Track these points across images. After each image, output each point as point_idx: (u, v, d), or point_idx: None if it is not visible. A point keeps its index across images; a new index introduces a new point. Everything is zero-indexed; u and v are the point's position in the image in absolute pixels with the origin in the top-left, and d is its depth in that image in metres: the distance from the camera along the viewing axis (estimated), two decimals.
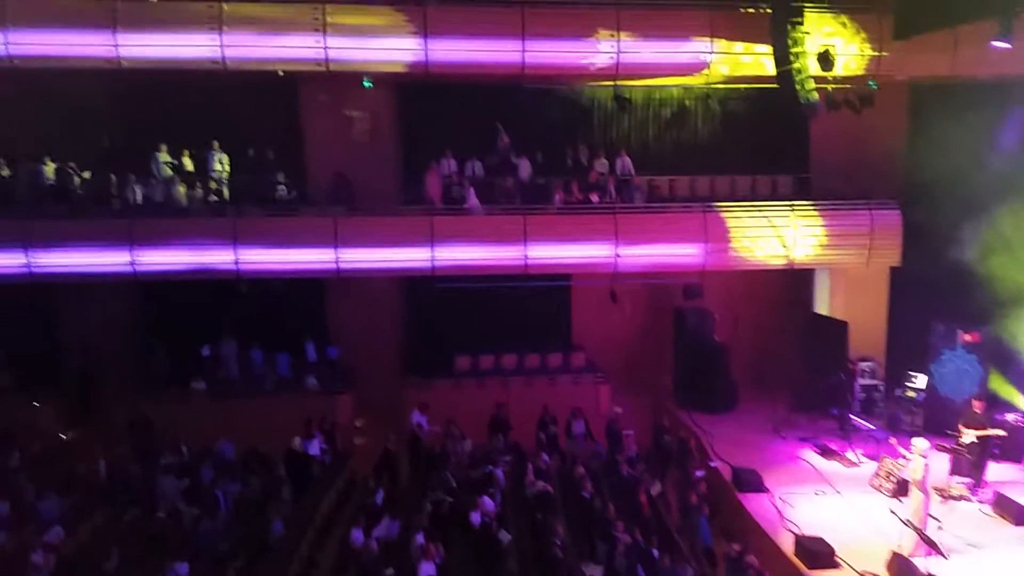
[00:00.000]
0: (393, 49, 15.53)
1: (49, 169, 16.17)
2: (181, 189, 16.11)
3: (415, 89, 17.26)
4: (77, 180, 15.98)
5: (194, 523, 11.83)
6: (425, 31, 15.51)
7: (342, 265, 16.03)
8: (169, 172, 16.31)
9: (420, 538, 10.92)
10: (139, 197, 15.98)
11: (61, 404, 16.31)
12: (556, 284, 17.47)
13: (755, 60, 15.91)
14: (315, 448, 14.06)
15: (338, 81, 16.53)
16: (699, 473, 13.26)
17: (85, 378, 16.78)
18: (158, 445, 14.06)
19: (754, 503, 12.61)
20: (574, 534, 11.88)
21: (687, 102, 18.36)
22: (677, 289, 17.51)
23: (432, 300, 17.17)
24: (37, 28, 14.99)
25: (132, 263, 15.63)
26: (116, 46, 15.05)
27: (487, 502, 11.99)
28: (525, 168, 17.01)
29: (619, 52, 15.73)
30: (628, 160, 17.33)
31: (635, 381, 17.85)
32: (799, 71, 14.60)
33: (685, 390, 17.21)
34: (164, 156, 16.40)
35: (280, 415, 15.16)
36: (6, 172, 16.18)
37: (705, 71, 16.09)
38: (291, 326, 17.24)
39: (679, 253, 16.40)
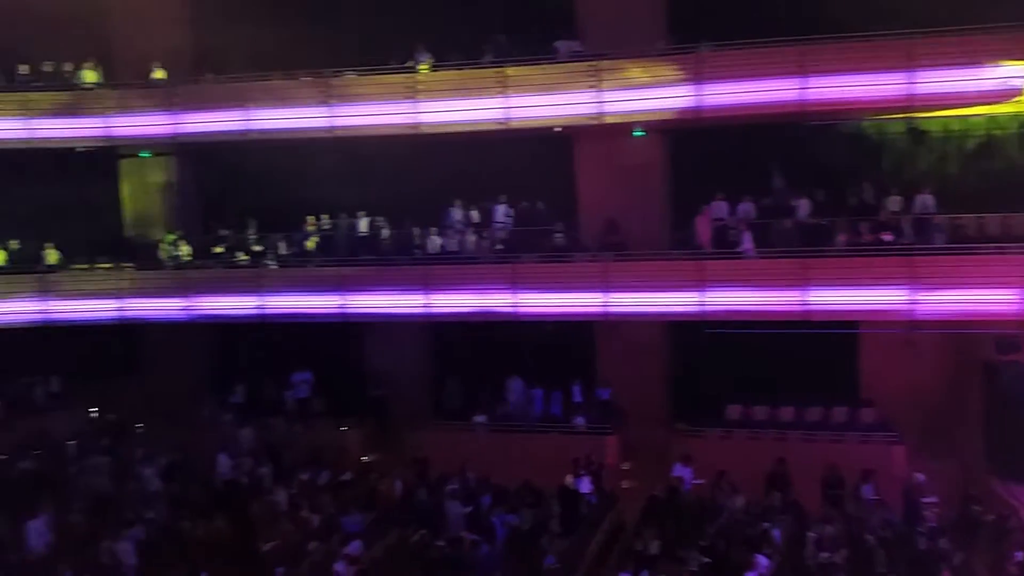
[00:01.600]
0: (666, 98, 15.75)
1: (363, 223, 18.56)
2: (471, 239, 17.56)
3: (686, 133, 17.30)
4: (386, 232, 18.09)
5: (472, 549, 12.55)
6: (698, 77, 15.57)
7: (611, 308, 16.38)
8: (460, 223, 17.95)
9: None
10: (437, 247, 17.64)
11: (363, 430, 18.30)
12: (841, 331, 16.27)
13: None
14: (585, 487, 14.32)
15: (610, 132, 17.08)
16: (1020, 555, 11.44)
17: (384, 407, 18.69)
18: (444, 473, 15.16)
19: None
20: None
21: (995, 131, 16.37)
22: (989, 340, 15.41)
23: (701, 345, 16.84)
24: (355, 103, 17.37)
25: (426, 305, 17.28)
26: (417, 113, 16.98)
27: (762, 561, 11.34)
28: (804, 208, 16.19)
29: (912, 83, 14.54)
30: (930, 197, 15.69)
31: (935, 443, 15.88)
32: None
33: (1003, 457, 14.95)
34: (458, 209, 18.09)
35: (551, 452, 15.72)
36: (327, 225, 18.83)
37: (1019, 97, 14.28)
38: (564, 367, 17.85)
39: (991, 300, 14.49)
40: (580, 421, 16.89)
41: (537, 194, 18.00)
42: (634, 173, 17.49)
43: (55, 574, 11.26)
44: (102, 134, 18.43)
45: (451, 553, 12.54)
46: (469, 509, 13.78)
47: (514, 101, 16.48)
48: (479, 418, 17.27)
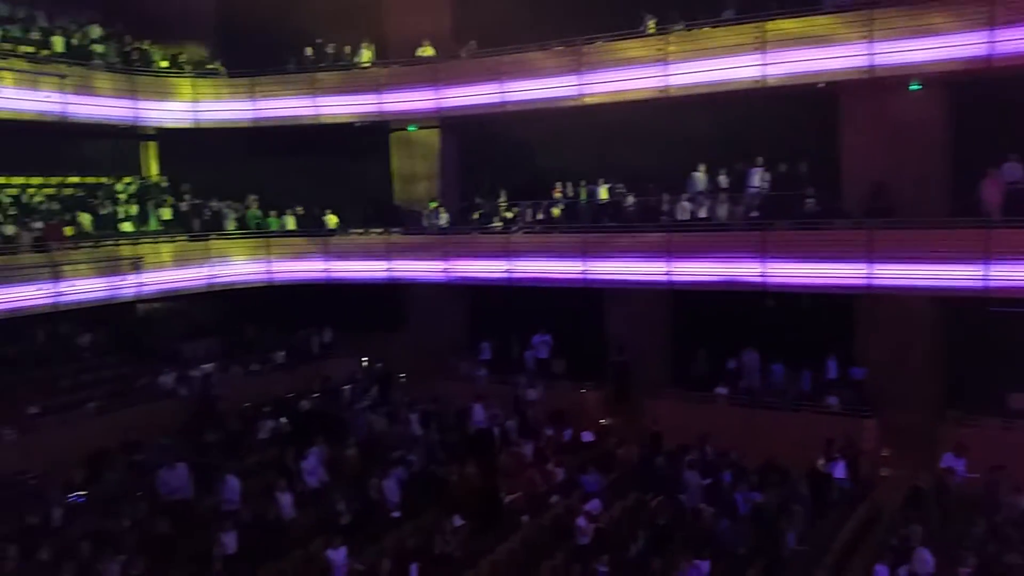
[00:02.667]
0: (950, 47, 14.08)
1: (603, 191, 18.71)
2: (723, 205, 17.00)
3: (973, 85, 15.32)
4: (630, 199, 18.09)
5: (713, 522, 12.34)
6: (990, 22, 13.70)
7: (872, 280, 15.09)
8: (706, 189, 17.43)
9: None
10: (684, 213, 17.32)
11: (602, 393, 18.60)
12: None
13: None
14: (839, 471, 13.45)
15: (881, 87, 15.61)
16: None
17: (623, 372, 18.83)
18: (683, 444, 15.00)
19: None
20: None
21: None
22: None
23: (984, 324, 15.00)
24: (605, 69, 17.45)
25: (668, 273, 17.06)
26: (667, 75, 16.69)
27: None
28: None
29: None
30: None
31: None
32: None
33: None
34: (701, 175, 17.60)
35: (798, 430, 14.93)
36: (570, 193, 19.20)
37: None
38: (814, 342, 16.80)
39: None
40: (833, 401, 15.83)
41: (795, 157, 16.96)
42: (908, 132, 15.82)
43: (329, 502, 12.74)
44: (376, 110, 20.19)
45: (691, 523, 12.45)
46: (708, 482, 13.55)
47: (773, 57, 15.61)
48: (721, 390, 16.80)
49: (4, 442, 14.56)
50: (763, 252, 16.01)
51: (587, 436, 16.47)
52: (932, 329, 16.15)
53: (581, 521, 12.04)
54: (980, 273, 14.09)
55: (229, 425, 16.04)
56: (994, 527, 11.51)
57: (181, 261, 19.20)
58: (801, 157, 16.95)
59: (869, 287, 15.22)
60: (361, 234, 20.57)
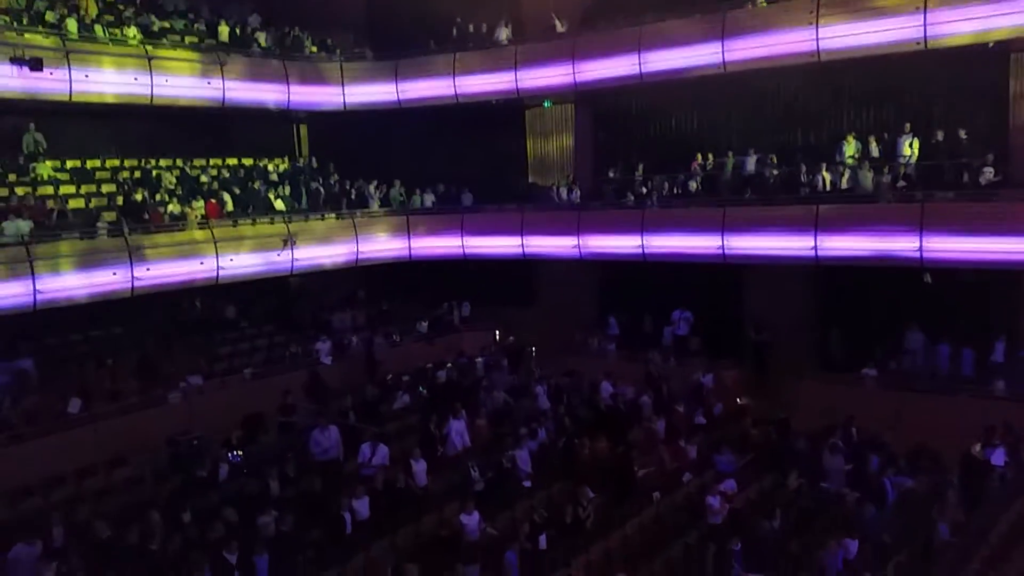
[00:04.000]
0: None
1: (751, 161, 18.02)
2: (867, 175, 16.03)
3: None
4: (774, 171, 17.34)
5: (857, 507, 11.74)
6: None
7: None
8: (853, 159, 16.43)
9: None
10: (827, 184, 16.42)
11: (740, 371, 18.04)
12: None
13: None
14: (999, 458, 12.43)
15: None
16: None
17: (761, 350, 18.17)
18: (827, 425, 14.31)
19: None
20: None
21: None
22: None
23: None
24: (749, 34, 16.76)
25: (814, 248, 16.25)
26: (817, 40, 15.81)
27: None
28: None
29: None
30: None
31: None
32: None
33: None
34: (850, 144, 16.60)
35: (955, 416, 13.91)
36: (713, 165, 18.63)
37: None
38: (978, 322, 15.55)
39: None
40: (1000, 385, 14.59)
41: (956, 123, 15.68)
42: None
43: (465, 468, 13.10)
44: (511, 87, 20.32)
45: (834, 508, 11.91)
46: (851, 466, 12.88)
47: (935, 16, 14.46)
48: (869, 371, 15.86)
49: (170, 405, 15.84)
50: (921, 225, 14.94)
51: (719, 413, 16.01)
52: None
53: (714, 500, 11.77)
54: None
55: (367, 393, 16.78)
56: None
57: (329, 238, 20.19)
58: (961, 124, 15.61)
59: None
60: (494, 211, 20.84)
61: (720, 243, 17.46)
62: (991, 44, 14.51)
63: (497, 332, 21.20)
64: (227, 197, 19.24)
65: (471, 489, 12.47)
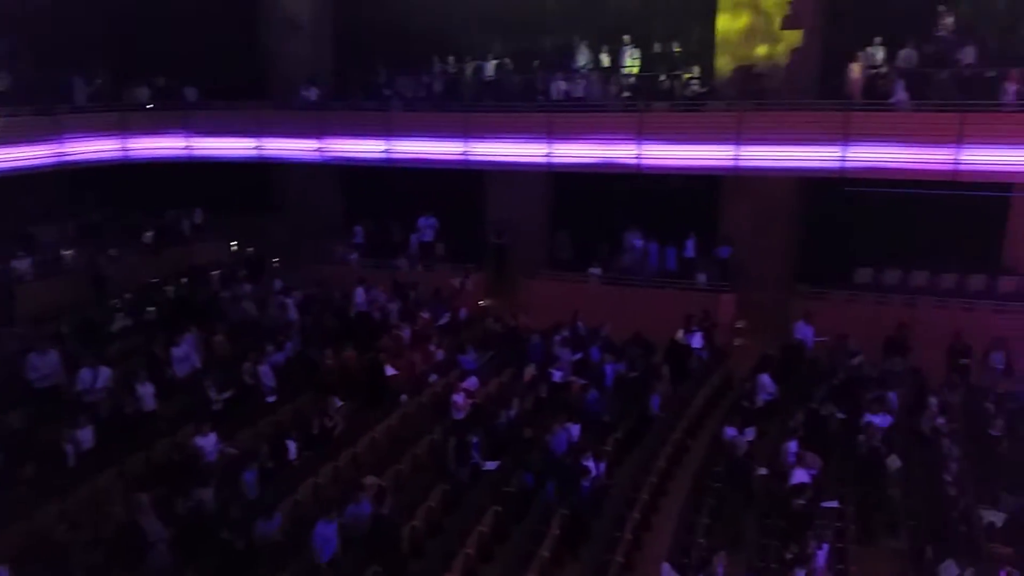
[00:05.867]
0: None
1: (490, 66, 18.18)
2: (598, 84, 16.83)
3: None
4: (514, 77, 17.65)
5: (581, 392, 12.98)
6: None
7: (741, 162, 15.63)
8: (587, 67, 17.22)
9: (793, 446, 10.62)
10: (561, 92, 17.09)
11: (483, 274, 18.79)
12: (991, 195, 14.97)
13: None
14: (697, 342, 14.32)
15: None
16: None
17: (503, 255, 19.03)
18: (557, 321, 15.46)
19: None
20: (975, 476, 10.53)
21: None
22: None
23: (837, 204, 15.95)
24: None
25: (548, 155, 17.03)
26: None
27: (883, 419, 11.17)
28: (970, 56, 14.53)
29: None
30: None
31: None
32: None
33: None
34: (583, 53, 17.33)
35: (665, 307, 15.60)
36: (454, 68, 18.59)
37: None
38: (684, 223, 17.39)
39: None
40: (702, 278, 16.60)
41: (672, 37, 16.98)
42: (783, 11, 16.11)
43: (201, 388, 12.48)
44: None
45: (562, 392, 13.05)
46: (579, 356, 14.14)
47: None
48: (594, 270, 17.29)
49: None
50: (640, 134, 16.17)
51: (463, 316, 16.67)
52: (789, 210, 17.01)
53: (458, 397, 12.37)
54: (839, 154, 14.82)
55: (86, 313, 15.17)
56: (833, 387, 12.67)
57: (24, 136, 17.39)
58: (676, 37, 16.96)
59: (736, 168, 15.76)
60: (225, 109, 19.31)
61: (463, 149, 17.70)
62: None
63: (235, 242, 20.01)
64: None
65: (208, 410, 11.96)
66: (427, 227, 19.19)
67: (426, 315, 15.84)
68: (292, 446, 10.88)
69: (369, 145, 18.43)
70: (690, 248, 17.14)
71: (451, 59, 18.70)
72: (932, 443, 11.02)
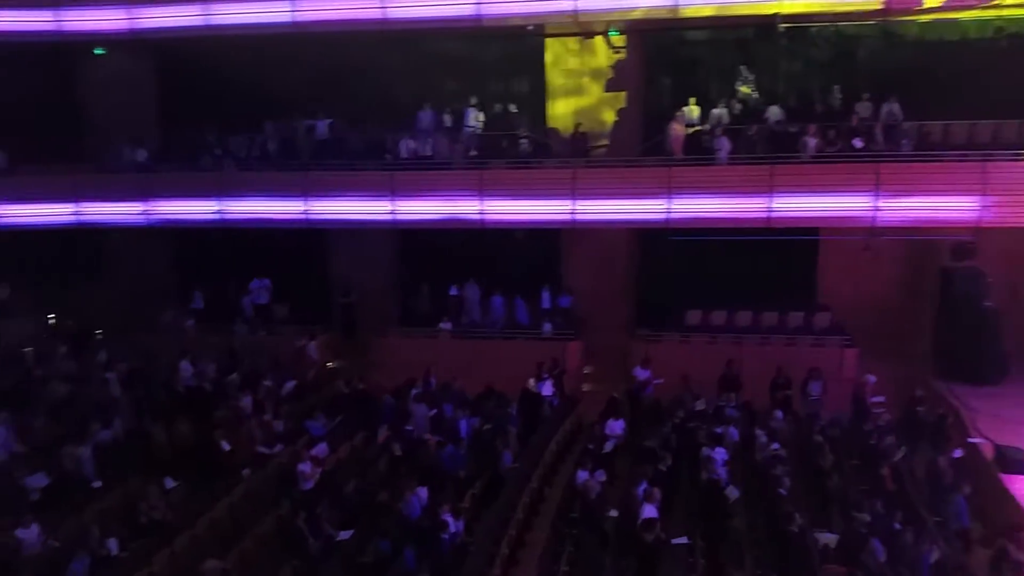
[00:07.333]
0: None
1: (324, 125, 17.98)
2: (443, 144, 17.06)
3: (658, 37, 16.92)
4: (355, 135, 17.54)
5: (436, 449, 12.80)
6: None
7: (577, 216, 16.29)
8: (431, 128, 17.49)
9: (643, 486, 10.92)
10: (409, 151, 17.17)
11: (328, 336, 18.26)
12: (802, 238, 16.42)
13: None
14: (547, 390, 14.58)
15: (582, 32, 16.71)
16: (957, 453, 11.96)
17: (350, 313, 18.63)
18: (409, 378, 15.25)
19: (1020, 486, 11.20)
20: (808, 501, 11.28)
21: (970, 34, 16.09)
22: (943, 248, 15.62)
23: (666, 252, 16.91)
24: None
25: (392, 212, 17.00)
26: (384, 8, 16.33)
27: (720, 453, 11.75)
28: (774, 115, 16.03)
29: None
30: (896, 105, 15.61)
31: (887, 347, 16.02)
32: None
33: (946, 359, 15.40)
34: (428, 113, 17.59)
35: (515, 357, 15.82)
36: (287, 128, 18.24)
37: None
38: (529, 274, 17.83)
39: (951, 207, 14.64)
40: (547, 328, 17.01)
41: (508, 100, 17.63)
42: (602, 77, 17.24)
43: (16, 479, 11.27)
44: (53, 28, 17.58)
45: (416, 453, 12.81)
46: (433, 412, 13.99)
47: None
48: (444, 324, 17.29)
49: None
50: (481, 190, 16.51)
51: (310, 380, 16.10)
52: (625, 259, 17.88)
53: (305, 466, 11.85)
54: (664, 206, 15.77)
55: None
56: (675, 427, 13.24)
57: None
58: (514, 99, 17.64)
59: (573, 222, 16.41)
60: (39, 172, 17.93)
61: (304, 207, 17.33)
62: (531, 27, 16.55)
63: (52, 315, 18.36)
64: None
65: (26, 500, 10.79)
66: (261, 289, 18.45)
67: (268, 383, 15.10)
68: (114, 544, 9.97)
69: (201, 206, 17.65)
70: (546, 299, 17.52)
71: (283, 119, 18.32)
72: (767, 472, 11.70)
